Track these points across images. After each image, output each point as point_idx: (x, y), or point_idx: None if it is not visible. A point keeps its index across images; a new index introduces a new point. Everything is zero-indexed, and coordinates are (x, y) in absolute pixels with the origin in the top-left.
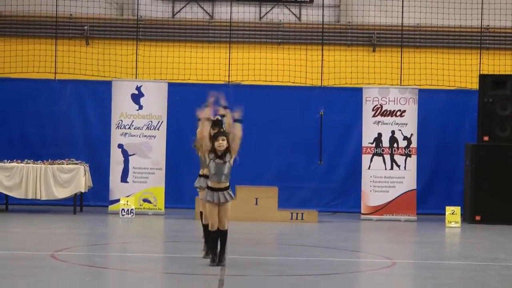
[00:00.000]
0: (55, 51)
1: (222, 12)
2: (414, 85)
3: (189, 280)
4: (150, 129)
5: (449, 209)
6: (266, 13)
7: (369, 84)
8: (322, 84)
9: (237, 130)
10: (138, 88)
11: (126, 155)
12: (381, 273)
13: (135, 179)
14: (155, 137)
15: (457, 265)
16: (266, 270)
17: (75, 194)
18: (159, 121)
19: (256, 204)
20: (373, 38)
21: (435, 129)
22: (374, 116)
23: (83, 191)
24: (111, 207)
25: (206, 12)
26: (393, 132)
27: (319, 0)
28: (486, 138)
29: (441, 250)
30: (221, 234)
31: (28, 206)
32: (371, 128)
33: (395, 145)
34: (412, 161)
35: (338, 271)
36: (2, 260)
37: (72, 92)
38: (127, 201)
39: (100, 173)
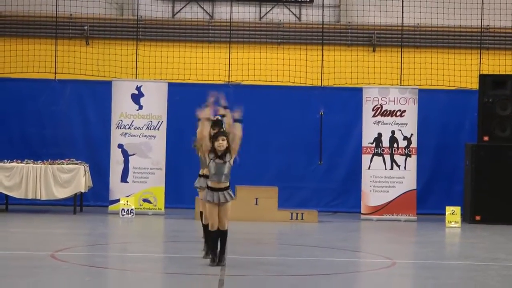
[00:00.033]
0: (55, 51)
1: (222, 12)
2: (414, 85)
3: (189, 280)
4: (150, 129)
5: (449, 209)
6: (266, 13)
7: (369, 84)
8: (322, 84)
9: (237, 130)
10: (138, 88)
11: (126, 155)
12: (381, 273)
13: (135, 179)
14: (155, 137)
15: (457, 265)
16: (266, 270)
17: (75, 194)
18: (159, 121)
19: (256, 204)
20: (373, 38)
21: (435, 129)
22: (374, 116)
23: (83, 191)
24: (111, 207)
25: (206, 12)
26: (393, 132)
27: (319, 0)
28: (486, 138)
29: (441, 250)
30: (221, 234)
31: (28, 206)
32: (371, 128)
33: (395, 145)
34: (412, 161)
35: (338, 271)
36: (2, 260)
37: (72, 92)
38: (127, 201)
39: (100, 173)
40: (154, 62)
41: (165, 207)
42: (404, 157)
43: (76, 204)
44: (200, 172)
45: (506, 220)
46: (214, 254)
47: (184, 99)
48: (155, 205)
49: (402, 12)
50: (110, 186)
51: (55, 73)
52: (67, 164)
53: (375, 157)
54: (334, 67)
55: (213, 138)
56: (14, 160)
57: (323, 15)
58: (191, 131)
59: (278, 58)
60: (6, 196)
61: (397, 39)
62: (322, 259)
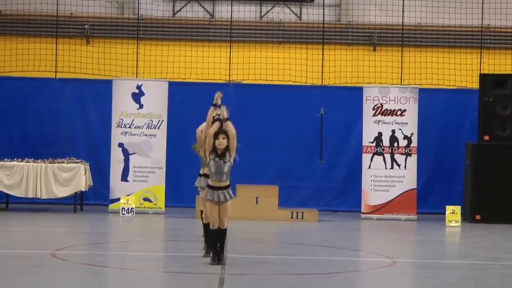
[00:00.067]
0: (56, 50)
1: (223, 11)
2: (415, 84)
3: (189, 279)
4: (151, 128)
5: (449, 208)
6: (267, 12)
7: (369, 83)
8: (323, 83)
9: (230, 129)
10: (138, 87)
11: (126, 154)
12: (382, 272)
13: (136, 178)
14: (155, 136)
15: (457, 264)
16: (266, 269)
17: (76, 193)
18: (159, 120)
19: (257, 203)
20: (374, 38)
21: (435, 129)
22: (374, 115)
23: (83, 190)
24: (112, 206)
25: (207, 11)
26: (393, 131)
27: None
28: (486, 138)
29: (441, 249)
30: (221, 233)
31: (29, 204)
32: (371, 127)
33: (396, 144)
34: (413, 160)
35: (338, 270)
36: (2, 259)
37: (73, 91)
38: (128, 200)
39: (100, 172)
40: (154, 61)
41: (166, 206)
42: (405, 156)
43: (77, 203)
44: (201, 172)
45: (506, 219)
46: (214, 253)
47: (184, 98)
48: (156, 204)
49: (403, 11)
50: (110, 185)
51: (56, 72)
52: (67, 163)
53: (375, 156)
54: (334, 66)
55: (214, 137)
56: (15, 159)
57: (323, 14)
58: (192, 130)
59: (278, 57)
60: (7, 194)
61: (397, 38)
62: (322, 258)
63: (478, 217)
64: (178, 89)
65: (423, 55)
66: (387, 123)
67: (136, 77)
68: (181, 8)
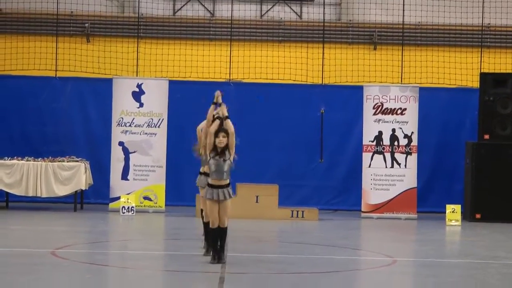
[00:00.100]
0: (56, 48)
1: (223, 10)
2: (415, 83)
3: (190, 278)
4: (151, 127)
5: (449, 207)
6: (267, 11)
7: (370, 82)
8: (323, 82)
9: (230, 127)
10: (139, 86)
11: (126, 152)
12: (382, 271)
13: (136, 177)
14: (155, 134)
15: (457, 263)
16: (266, 268)
17: (76, 191)
18: (159, 119)
19: (257, 202)
20: (374, 36)
21: (435, 127)
22: (374, 114)
23: (83, 188)
24: (112, 205)
25: (207, 9)
26: (393, 130)
27: None
28: (486, 137)
29: (441, 248)
30: (221, 232)
31: (29, 203)
32: (371, 126)
33: (396, 143)
34: (413, 159)
35: (338, 269)
36: (2, 258)
37: (73, 90)
38: (128, 199)
39: (100, 171)
40: (155, 60)
41: (166, 205)
42: (405, 155)
43: (77, 201)
44: (201, 170)
45: (506, 218)
46: (214, 252)
47: (184, 96)
48: (156, 203)
49: (403, 10)
50: (110, 184)
51: (56, 70)
52: (67, 162)
53: (375, 155)
54: (335, 65)
55: (214, 135)
56: (15, 157)
57: (324, 13)
58: (192, 128)
59: (279, 56)
60: (7, 193)
61: (398, 37)
62: (322, 257)
63: (478, 216)
64: (178, 88)
65: (424, 54)
66: (387, 122)
67: (137, 75)
68: (181, 7)
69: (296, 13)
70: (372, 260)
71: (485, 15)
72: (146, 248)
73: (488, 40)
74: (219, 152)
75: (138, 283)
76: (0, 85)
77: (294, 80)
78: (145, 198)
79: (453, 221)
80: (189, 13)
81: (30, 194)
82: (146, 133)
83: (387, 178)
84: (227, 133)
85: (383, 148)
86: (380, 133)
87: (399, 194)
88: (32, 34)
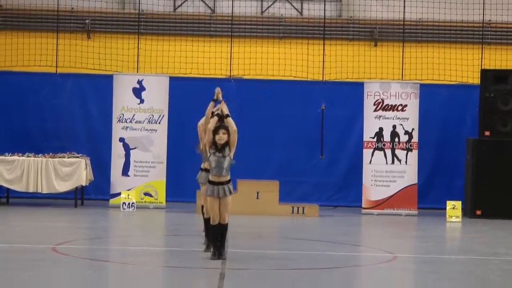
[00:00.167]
0: (57, 44)
1: (224, 6)
2: (416, 79)
3: (190, 274)
4: (152, 123)
5: (450, 204)
6: (268, 7)
7: (370, 78)
8: (324, 79)
9: (232, 125)
10: (139, 82)
11: (127, 148)
12: (382, 267)
13: (136, 173)
14: (156, 130)
15: (458, 259)
16: (267, 264)
17: (76, 187)
18: (160, 115)
19: (257, 198)
20: (375, 33)
21: (436, 124)
22: (375, 110)
23: (84, 184)
24: (112, 201)
25: (208, 6)
26: (394, 126)
27: None
28: (487, 133)
29: (441, 245)
30: (222, 228)
31: (29, 199)
32: (372, 122)
33: (396, 139)
34: (413, 155)
35: (339, 265)
36: (3, 253)
37: (74, 86)
38: (128, 195)
39: (101, 167)
40: (155, 56)
41: (166, 201)
42: (405, 151)
43: (77, 197)
44: (202, 166)
45: (507, 215)
46: (215, 248)
47: (185, 93)
48: (156, 199)
49: (404, 6)
50: (111, 180)
51: (57, 66)
52: (68, 158)
53: (376, 151)
54: (335, 62)
55: (214, 132)
56: (15, 153)
57: (324, 10)
58: (192, 124)
59: (279, 52)
60: (7, 189)
61: (398, 33)
62: (323, 253)
63: (478, 212)
64: (179, 84)
65: (424, 50)
66: (388, 118)
67: (137, 72)
68: (182, 3)
69: (296, 9)
70: (373, 256)
71: (486, 11)
72: (146, 244)
73: (489, 36)
74: (219, 148)
75: (138, 279)
76: (1, 81)
77: (294, 77)
78: (146, 194)
79: (453, 217)
80: (190, 9)
81: (31, 190)
82: (146, 129)
83: (387, 174)
84: (227, 130)
85: (384, 145)
86: (381, 129)
87: (399, 191)
88: (32, 30)
